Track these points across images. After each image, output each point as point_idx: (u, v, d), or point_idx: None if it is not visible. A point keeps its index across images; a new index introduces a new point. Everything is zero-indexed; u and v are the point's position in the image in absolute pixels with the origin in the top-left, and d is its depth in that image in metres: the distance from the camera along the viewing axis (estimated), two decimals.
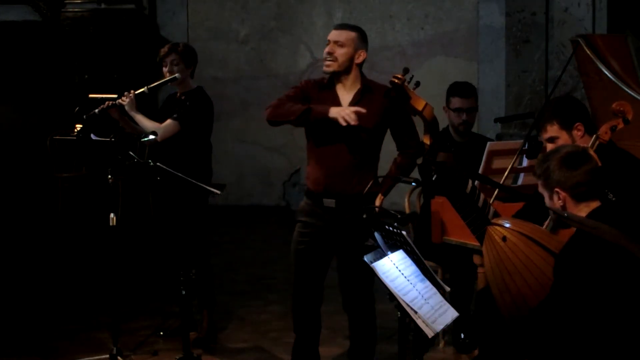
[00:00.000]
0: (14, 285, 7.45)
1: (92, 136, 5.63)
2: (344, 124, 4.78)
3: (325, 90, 5.03)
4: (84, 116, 5.83)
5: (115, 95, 5.92)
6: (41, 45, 9.82)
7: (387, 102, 4.87)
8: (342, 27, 5.07)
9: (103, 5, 9.94)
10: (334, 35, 5.01)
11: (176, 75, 5.93)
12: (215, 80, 10.21)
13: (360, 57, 4.98)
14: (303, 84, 5.13)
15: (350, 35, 4.99)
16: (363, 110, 4.83)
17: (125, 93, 5.90)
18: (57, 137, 8.86)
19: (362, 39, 5.02)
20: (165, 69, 6.01)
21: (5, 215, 9.12)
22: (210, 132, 6.07)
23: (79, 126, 5.64)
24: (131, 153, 5.48)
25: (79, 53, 9.80)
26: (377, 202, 4.91)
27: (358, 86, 5.01)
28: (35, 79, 9.78)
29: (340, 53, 4.96)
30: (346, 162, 4.96)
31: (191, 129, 5.91)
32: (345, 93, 5.01)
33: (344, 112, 4.82)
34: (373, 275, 4.99)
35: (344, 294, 5.13)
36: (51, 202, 9.12)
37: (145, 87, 5.97)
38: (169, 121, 5.89)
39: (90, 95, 6.02)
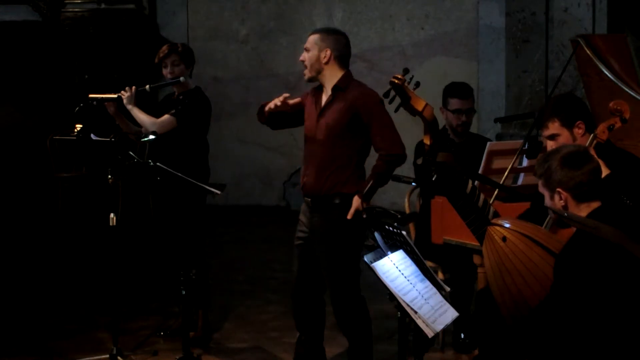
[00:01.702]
0: (14, 285, 7.45)
1: (92, 136, 5.63)
2: (273, 107, 5.10)
3: (317, 94, 5.18)
4: (81, 104, 5.84)
5: (115, 95, 5.93)
6: (41, 45, 9.81)
7: (355, 102, 4.98)
8: (311, 31, 5.18)
9: (103, 5, 9.93)
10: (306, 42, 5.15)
11: (180, 78, 5.93)
12: (215, 80, 10.21)
13: (325, 57, 5.06)
14: (308, 90, 5.28)
15: (313, 37, 5.11)
16: (286, 94, 5.11)
17: (127, 87, 5.91)
18: (57, 137, 8.84)
19: (326, 39, 5.08)
20: (165, 70, 6.00)
21: (5, 215, 9.11)
22: (206, 131, 6.08)
23: (79, 126, 5.64)
24: (131, 153, 5.48)
25: (79, 53, 9.79)
26: (354, 203, 4.94)
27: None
28: (35, 79, 9.77)
29: (307, 57, 5.10)
30: (316, 162, 5.08)
31: (188, 126, 5.92)
32: (325, 95, 5.13)
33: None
34: (356, 276, 5.05)
35: (330, 294, 5.18)
36: (51, 202, 9.11)
37: (148, 86, 5.99)
38: (166, 116, 5.90)
39: (90, 95, 6.02)
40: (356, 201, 4.97)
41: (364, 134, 5.07)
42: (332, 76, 5.08)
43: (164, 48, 6.04)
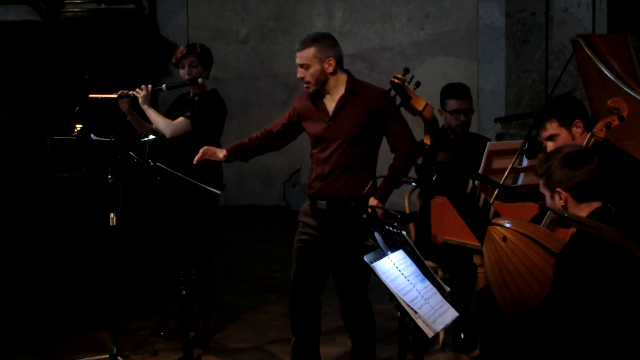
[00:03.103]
0: (14, 285, 7.45)
1: (92, 136, 5.62)
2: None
3: (315, 99, 5.08)
4: (92, 97, 5.81)
5: (115, 95, 5.90)
6: (41, 45, 9.82)
7: (373, 104, 4.93)
8: (300, 46, 5.01)
9: (103, 5, 9.93)
10: (297, 58, 5.01)
11: (199, 79, 5.88)
12: (215, 80, 10.15)
13: (330, 66, 4.96)
14: (295, 101, 5.21)
15: (308, 53, 4.97)
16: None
17: (142, 86, 5.85)
18: (57, 137, 8.85)
19: (323, 48, 4.96)
20: (183, 71, 5.93)
21: (5, 215, 9.12)
22: (220, 134, 6.05)
23: (79, 126, 5.63)
24: (131, 153, 5.47)
25: (79, 53, 9.80)
26: (372, 204, 4.92)
27: (342, 91, 5.02)
28: (35, 79, 9.78)
29: (309, 74, 4.98)
30: (333, 165, 5.01)
31: (202, 129, 5.87)
32: (330, 100, 5.06)
33: None
34: (366, 279, 5.04)
35: (340, 296, 5.15)
36: (51, 202, 9.12)
37: (164, 85, 5.96)
38: (181, 119, 5.85)
39: (90, 95, 6.00)
40: (373, 202, 4.95)
41: (378, 136, 5.07)
42: (338, 82, 5.01)
43: (182, 48, 5.96)
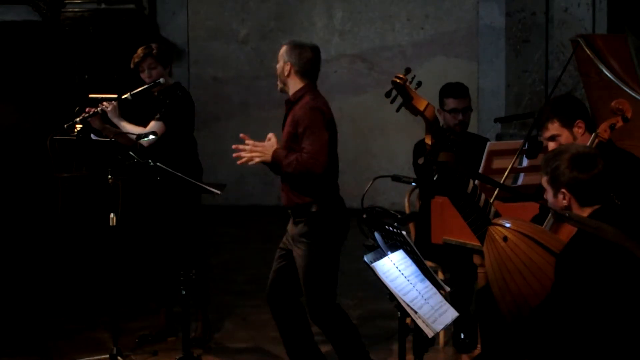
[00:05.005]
0: (13, 285, 7.45)
1: (92, 136, 5.63)
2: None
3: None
4: (65, 125, 5.82)
5: (115, 96, 5.91)
6: (41, 45, 9.81)
7: (297, 114, 5.00)
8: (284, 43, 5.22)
9: (103, 5, 9.93)
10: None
11: (160, 80, 5.92)
12: (215, 80, 10.21)
13: (286, 69, 5.13)
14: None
15: (281, 50, 5.18)
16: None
17: (106, 102, 5.88)
18: (57, 137, 8.83)
19: (289, 51, 5.13)
20: (143, 74, 5.98)
21: (6, 215, 9.11)
22: (193, 127, 6.08)
23: (79, 126, 5.64)
24: (131, 153, 5.48)
25: (79, 53, 9.79)
26: (266, 154, 5.02)
27: None
28: (35, 79, 9.76)
29: (277, 68, 5.20)
30: (282, 175, 5.08)
31: (176, 127, 5.90)
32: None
33: None
34: (330, 285, 5.05)
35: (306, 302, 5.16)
36: (51, 202, 9.11)
37: (129, 94, 5.96)
38: (152, 123, 5.87)
39: (90, 95, 6.01)
40: (271, 150, 4.98)
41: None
42: (293, 89, 5.13)
43: (139, 52, 6.00)
